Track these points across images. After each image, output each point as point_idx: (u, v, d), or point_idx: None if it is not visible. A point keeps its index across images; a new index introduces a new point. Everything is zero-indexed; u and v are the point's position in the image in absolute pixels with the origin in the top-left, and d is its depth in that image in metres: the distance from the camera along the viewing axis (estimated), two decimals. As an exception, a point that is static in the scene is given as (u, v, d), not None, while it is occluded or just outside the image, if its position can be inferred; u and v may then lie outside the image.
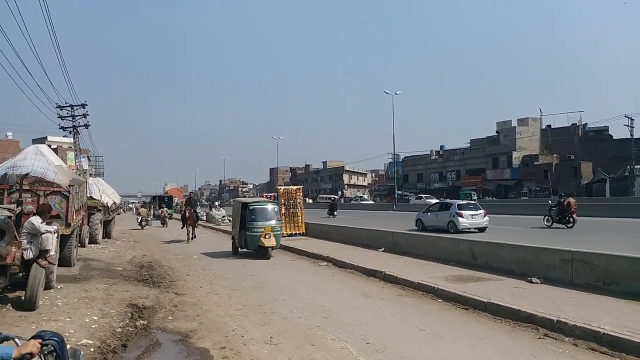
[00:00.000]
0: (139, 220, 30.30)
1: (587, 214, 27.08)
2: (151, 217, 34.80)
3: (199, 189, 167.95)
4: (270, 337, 6.36)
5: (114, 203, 22.97)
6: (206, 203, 54.38)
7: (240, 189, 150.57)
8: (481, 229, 19.17)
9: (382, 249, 14.45)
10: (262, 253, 14.54)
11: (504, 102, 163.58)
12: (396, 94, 52.91)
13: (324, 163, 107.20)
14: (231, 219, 18.46)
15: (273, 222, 15.06)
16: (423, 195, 56.12)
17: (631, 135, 51.17)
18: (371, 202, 66.12)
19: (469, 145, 73.94)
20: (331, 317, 7.39)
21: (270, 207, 15.75)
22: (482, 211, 19.53)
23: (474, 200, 39.70)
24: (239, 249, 15.67)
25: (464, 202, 22.25)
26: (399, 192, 60.66)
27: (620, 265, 7.91)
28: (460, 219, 18.99)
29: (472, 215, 19.28)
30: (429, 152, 79.40)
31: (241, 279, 11.07)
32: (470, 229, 18.99)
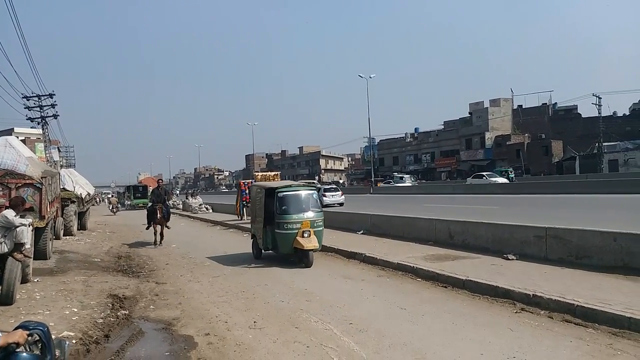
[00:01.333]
0: (110, 208, 38.46)
1: (558, 191, 27.81)
2: (121, 205, 43.88)
3: (174, 177, 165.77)
4: (254, 322, 6.39)
5: (88, 194, 22.53)
6: (187, 192, 52.10)
7: (216, 176, 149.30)
8: (340, 204, 28.83)
9: (361, 232, 14.59)
10: (298, 258, 10.43)
11: (476, 84, 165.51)
12: (370, 77, 52.95)
13: (301, 148, 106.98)
14: (251, 210, 12.90)
15: (313, 214, 10.63)
16: (405, 176, 55.24)
17: (599, 113, 52.48)
18: (409, 184, 49.89)
19: (442, 127, 74.78)
20: (314, 299, 7.46)
21: (307, 193, 11.08)
22: (339, 192, 30.40)
23: (512, 177, 41.55)
24: (263, 252, 11.54)
25: (329, 187, 32.83)
26: (387, 175, 60.63)
27: (592, 240, 8.18)
28: (324, 198, 27.07)
29: (332, 195, 29.41)
30: (404, 135, 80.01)
31: (221, 266, 11.05)
32: (332, 204, 28.00)
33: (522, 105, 68.11)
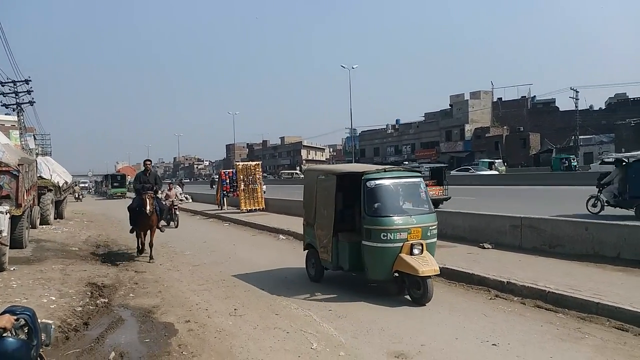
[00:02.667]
0: (76, 196, 40.07)
1: (535, 183, 28.40)
2: (98, 194, 47.46)
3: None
4: (235, 309, 6.45)
5: (65, 182, 22.16)
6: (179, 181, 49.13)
7: (195, 166, 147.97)
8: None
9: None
10: (398, 287, 6.87)
11: (457, 76, 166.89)
12: (353, 67, 52.98)
13: (282, 139, 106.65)
14: (304, 207, 8.38)
15: (425, 216, 6.84)
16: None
17: (576, 107, 53.44)
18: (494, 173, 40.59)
19: (423, 118, 75.26)
20: (294, 287, 7.54)
21: (411, 182, 7.19)
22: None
23: (574, 165, 39.73)
24: (325, 271, 7.80)
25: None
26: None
27: (565, 229, 8.44)
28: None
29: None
30: (385, 126, 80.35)
31: (201, 255, 11.04)
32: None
33: (501, 98, 68.87)
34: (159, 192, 11.74)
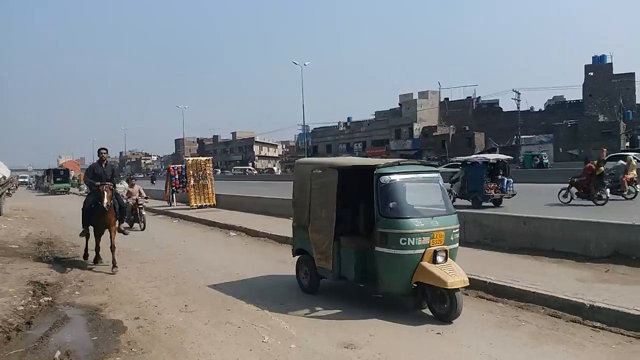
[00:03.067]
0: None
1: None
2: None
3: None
4: (185, 305, 6.41)
5: (3, 177, 21.04)
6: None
7: (143, 161, 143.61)
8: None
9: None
10: (416, 301, 5.92)
11: (406, 76, 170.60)
12: (305, 64, 53.15)
13: (234, 134, 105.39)
14: (293, 206, 7.40)
15: (448, 218, 5.92)
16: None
17: (518, 108, 56.01)
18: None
19: (374, 117, 76.56)
20: (246, 283, 7.57)
21: (430, 177, 6.27)
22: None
23: (546, 162, 40.77)
24: (320, 279, 6.78)
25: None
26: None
27: (506, 224, 8.92)
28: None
29: None
30: (337, 124, 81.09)
31: (150, 252, 10.81)
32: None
33: (448, 98, 71.17)
34: (118, 187, 10.25)
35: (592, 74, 60.28)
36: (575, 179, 15.40)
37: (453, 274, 5.40)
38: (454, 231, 5.80)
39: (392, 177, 5.82)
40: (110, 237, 8.96)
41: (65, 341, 5.24)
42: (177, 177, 22.42)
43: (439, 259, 5.51)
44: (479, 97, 69.98)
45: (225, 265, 8.99)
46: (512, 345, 4.77)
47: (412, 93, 68.85)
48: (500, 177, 15.90)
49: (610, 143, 45.46)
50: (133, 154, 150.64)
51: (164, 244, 11.99)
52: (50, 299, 6.95)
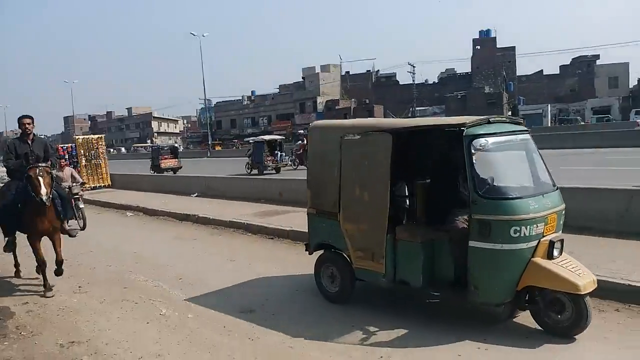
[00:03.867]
0: None
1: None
2: None
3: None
4: (79, 287, 6.28)
5: None
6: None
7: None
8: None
9: (195, 194, 14.65)
10: (508, 310, 4.32)
11: (308, 49, 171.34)
12: (203, 35, 51.43)
13: (129, 109, 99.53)
14: (309, 186, 5.53)
15: (555, 194, 4.38)
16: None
17: (413, 81, 59.00)
18: None
19: (278, 90, 76.35)
20: (143, 261, 7.51)
21: (527, 139, 4.58)
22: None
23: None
24: (355, 284, 5.10)
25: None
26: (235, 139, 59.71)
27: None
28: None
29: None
30: (240, 98, 79.80)
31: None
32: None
33: (349, 72, 72.80)
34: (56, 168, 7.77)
35: (479, 47, 64.73)
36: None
37: (579, 272, 4.01)
38: (563, 213, 4.34)
39: (490, 140, 4.20)
40: (55, 247, 6.30)
41: (-58, 333, 4.94)
42: (67, 157, 20.98)
43: (555, 252, 4.06)
44: (378, 70, 72.38)
45: (122, 245, 8.80)
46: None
47: (315, 67, 69.50)
48: (276, 152, 22.56)
49: (495, 112, 49.73)
50: (15, 133, 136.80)
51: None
52: None
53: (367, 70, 71.29)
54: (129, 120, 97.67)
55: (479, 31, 65.35)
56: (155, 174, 23.45)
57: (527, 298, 4.15)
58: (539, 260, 4.02)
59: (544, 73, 64.37)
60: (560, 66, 64.11)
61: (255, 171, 21.83)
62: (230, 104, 79.36)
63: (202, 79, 52.66)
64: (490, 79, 62.04)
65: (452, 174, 4.63)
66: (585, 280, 3.93)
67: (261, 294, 5.59)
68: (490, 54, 62.94)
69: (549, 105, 54.17)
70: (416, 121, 5.26)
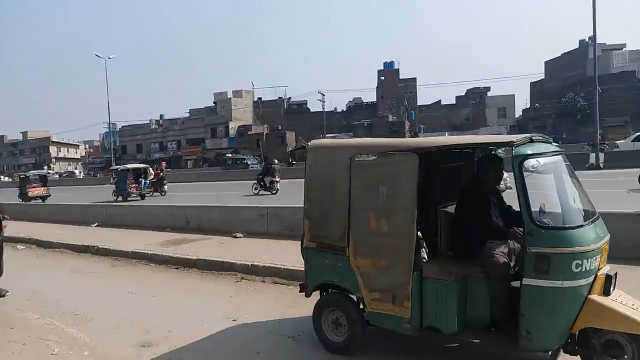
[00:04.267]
0: None
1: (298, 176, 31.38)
2: None
3: None
4: (-44, 330, 5.70)
5: None
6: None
7: None
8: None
9: (96, 224, 13.89)
10: (555, 354, 3.81)
11: (220, 75, 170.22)
12: (109, 57, 49.31)
13: (24, 133, 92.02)
14: (307, 216, 4.86)
15: (601, 221, 3.83)
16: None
17: (323, 108, 60.78)
18: None
19: (188, 115, 74.83)
20: (36, 298, 6.99)
21: (565, 160, 3.99)
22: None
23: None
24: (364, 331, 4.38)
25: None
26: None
27: (300, 215, 9.82)
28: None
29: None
30: (148, 122, 77.08)
31: None
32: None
33: (261, 98, 73.38)
34: None
35: (383, 78, 68.33)
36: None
37: (639, 308, 3.49)
38: (609, 241, 3.77)
39: (541, 160, 3.74)
40: None
41: None
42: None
43: (612, 287, 3.55)
44: (290, 97, 73.71)
45: (11, 281, 8.03)
46: (297, 320, 5.43)
47: (227, 92, 69.20)
48: (141, 179, 23.94)
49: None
50: None
51: None
52: None
53: (279, 97, 72.37)
54: (23, 144, 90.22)
55: (384, 63, 69.10)
56: (23, 202, 23.24)
57: (577, 340, 3.60)
58: (596, 297, 3.46)
59: (442, 103, 69.24)
60: (456, 97, 69.37)
61: (120, 198, 22.84)
62: (137, 127, 76.40)
63: (107, 102, 50.09)
64: (393, 108, 65.54)
65: (482, 201, 4.09)
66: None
67: (164, 327, 5.44)
68: (393, 84, 66.72)
69: (447, 133, 58.23)
70: (447, 139, 4.39)
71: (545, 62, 64.63)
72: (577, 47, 57.81)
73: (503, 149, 4.12)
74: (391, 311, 4.05)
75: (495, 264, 3.80)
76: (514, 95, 67.20)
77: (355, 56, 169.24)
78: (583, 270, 3.39)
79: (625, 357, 3.42)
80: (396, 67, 68.87)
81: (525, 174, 3.53)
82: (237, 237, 10.12)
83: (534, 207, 3.51)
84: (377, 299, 4.13)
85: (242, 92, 69.50)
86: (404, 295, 3.95)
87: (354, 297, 4.37)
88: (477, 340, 3.81)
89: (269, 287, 6.89)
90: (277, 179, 20.49)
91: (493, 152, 4.25)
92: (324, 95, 60.12)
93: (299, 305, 5.88)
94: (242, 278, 7.39)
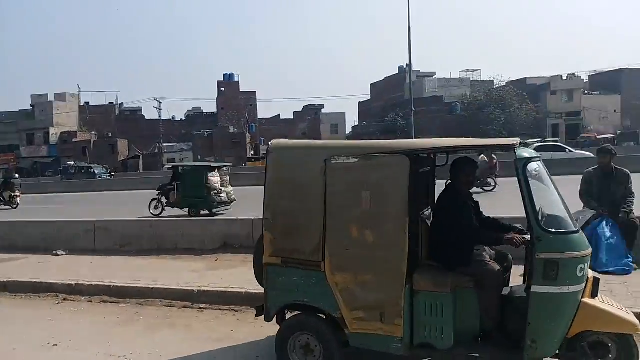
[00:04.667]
0: None
1: (122, 187, 29.49)
2: None
3: None
4: None
5: None
6: None
7: None
8: None
9: None
10: None
11: (40, 75, 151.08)
12: None
13: None
14: (267, 228, 4.04)
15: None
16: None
17: (160, 116, 58.16)
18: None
19: (-2, 118, 65.19)
20: None
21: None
22: None
23: None
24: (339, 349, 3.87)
25: None
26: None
27: (133, 229, 9.42)
28: None
29: None
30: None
31: None
32: None
33: (89, 103, 67.45)
34: None
35: (223, 89, 68.08)
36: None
37: (624, 310, 3.55)
38: None
39: (540, 164, 3.71)
40: None
41: None
42: None
43: (597, 290, 3.55)
44: (122, 103, 69.02)
45: None
46: (129, 339, 5.23)
47: (47, 94, 61.93)
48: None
49: (239, 152, 52.79)
50: None
51: None
52: None
53: (110, 103, 67.27)
54: None
55: (224, 74, 68.93)
56: None
57: (566, 345, 3.49)
58: (588, 300, 3.44)
59: (281, 117, 71.57)
60: (294, 112, 72.29)
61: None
62: None
63: None
64: (234, 119, 65.76)
65: (463, 206, 3.91)
66: (632, 317, 3.45)
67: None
68: (234, 96, 66.90)
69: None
70: (440, 142, 4.02)
71: (371, 85, 71.17)
72: (397, 72, 64.83)
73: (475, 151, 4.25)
74: (379, 330, 3.66)
75: (489, 273, 3.64)
76: (344, 113, 72.53)
77: (197, 64, 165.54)
78: (583, 274, 3.39)
79: (610, 356, 3.42)
80: (236, 79, 69.23)
81: (529, 177, 3.47)
82: (59, 255, 9.21)
83: (539, 212, 3.45)
84: (361, 318, 3.70)
85: (66, 96, 62.85)
86: (396, 312, 3.60)
87: (331, 317, 3.86)
88: (477, 355, 3.56)
89: (96, 307, 6.46)
90: (18, 193, 21.03)
91: (465, 155, 4.18)
92: (160, 102, 57.56)
93: (132, 324, 5.67)
94: (64, 299, 6.80)
